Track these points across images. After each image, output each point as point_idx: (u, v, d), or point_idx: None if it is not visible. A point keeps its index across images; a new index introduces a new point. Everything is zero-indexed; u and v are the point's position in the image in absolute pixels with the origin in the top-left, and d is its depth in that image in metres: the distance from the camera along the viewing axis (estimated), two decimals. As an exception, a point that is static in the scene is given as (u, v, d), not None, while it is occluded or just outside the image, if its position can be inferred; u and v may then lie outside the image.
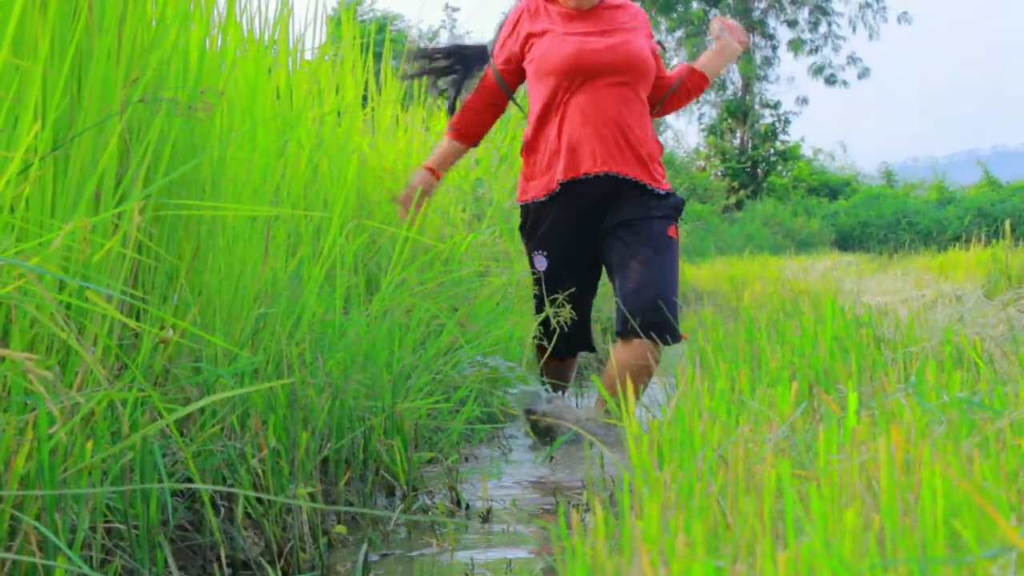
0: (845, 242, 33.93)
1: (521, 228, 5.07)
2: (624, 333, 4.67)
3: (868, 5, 43.22)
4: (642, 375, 4.61)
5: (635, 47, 4.80)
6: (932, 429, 1.71)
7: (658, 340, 4.59)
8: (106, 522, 2.54)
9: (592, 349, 5.27)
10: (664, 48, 5.12)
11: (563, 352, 5.14)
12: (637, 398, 4.61)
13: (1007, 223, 5.99)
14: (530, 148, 4.92)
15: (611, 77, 4.73)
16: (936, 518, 1.24)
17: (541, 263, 4.98)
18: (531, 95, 4.91)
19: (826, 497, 1.39)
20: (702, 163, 43.03)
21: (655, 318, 4.60)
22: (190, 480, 2.83)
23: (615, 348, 4.78)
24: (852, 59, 43.63)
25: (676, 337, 4.64)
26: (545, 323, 4.93)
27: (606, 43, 4.77)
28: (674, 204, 4.87)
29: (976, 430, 1.67)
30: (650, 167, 4.83)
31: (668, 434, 1.90)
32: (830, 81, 43.50)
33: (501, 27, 5.06)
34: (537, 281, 5.01)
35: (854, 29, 43.88)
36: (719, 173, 42.21)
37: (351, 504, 3.55)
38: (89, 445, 2.27)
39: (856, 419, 1.69)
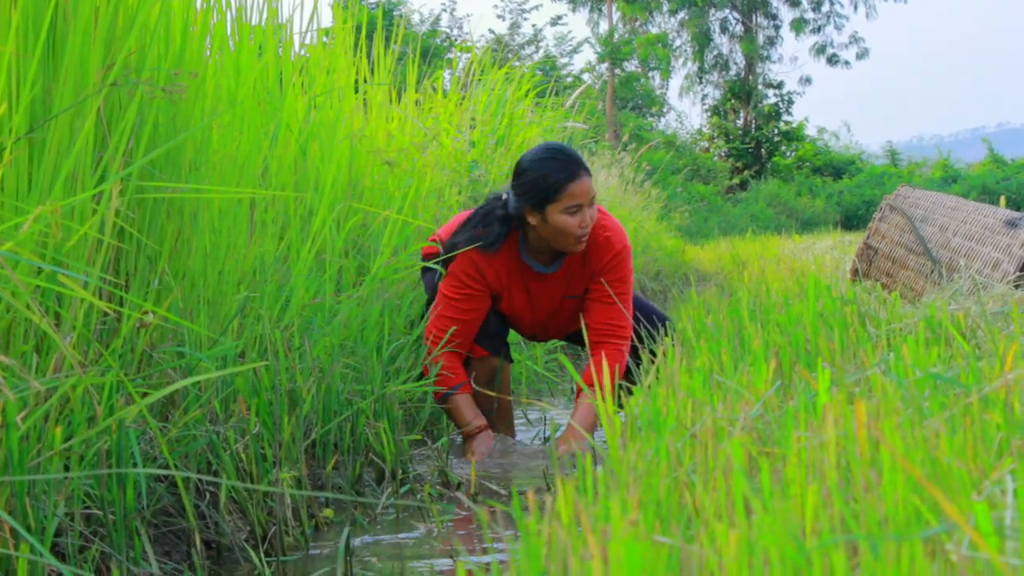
0: (850, 221, 33.89)
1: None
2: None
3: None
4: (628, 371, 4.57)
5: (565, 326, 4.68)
6: (902, 405, 1.69)
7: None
8: (85, 508, 2.52)
9: (509, 356, 4.70)
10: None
11: (492, 340, 4.57)
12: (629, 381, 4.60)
13: (1002, 199, 6.00)
14: None
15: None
16: (897, 495, 1.21)
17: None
18: None
19: (791, 475, 1.36)
20: (706, 144, 43.03)
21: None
22: (175, 464, 2.81)
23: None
24: (854, 38, 43.56)
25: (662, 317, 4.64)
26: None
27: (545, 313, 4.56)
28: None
29: (948, 406, 1.65)
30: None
31: (642, 413, 1.88)
32: (832, 61, 43.42)
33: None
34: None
35: (855, 7, 43.80)
36: (723, 154, 42.21)
37: (339, 487, 3.54)
38: (58, 431, 2.25)
39: (828, 396, 1.67)
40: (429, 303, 4.56)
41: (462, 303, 4.33)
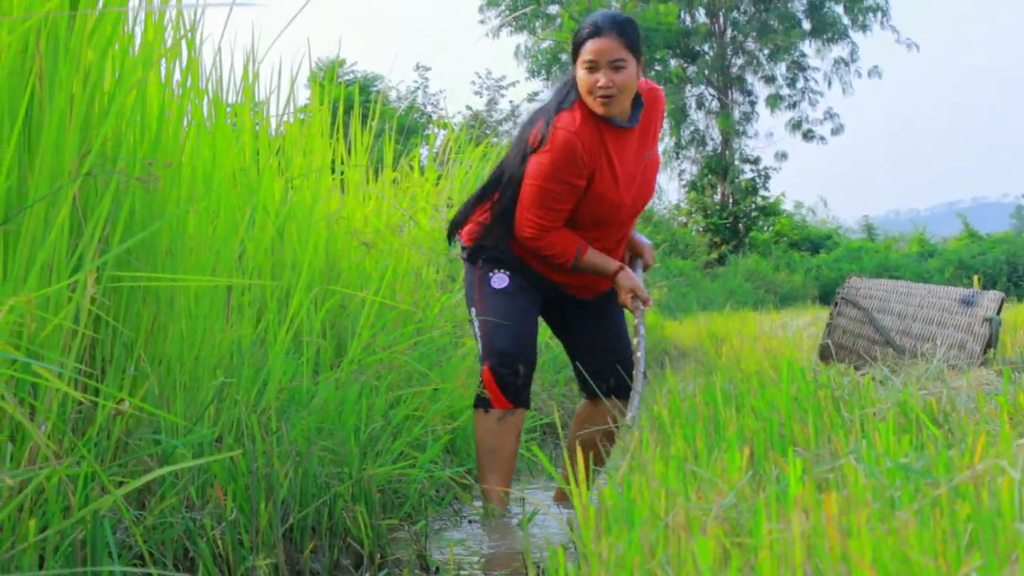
0: (828, 296, 33.85)
1: (472, 258, 4.75)
2: (593, 395, 4.71)
3: (843, 60, 43.50)
4: (610, 437, 4.63)
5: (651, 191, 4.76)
6: (872, 497, 1.69)
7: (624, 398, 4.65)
8: (59, 599, 2.50)
9: (528, 403, 4.68)
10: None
11: (518, 394, 4.57)
12: (607, 458, 4.62)
13: (975, 277, 6.06)
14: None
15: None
16: (866, 591, 1.22)
17: (501, 281, 4.64)
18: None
19: (762, 569, 1.37)
20: (683, 219, 43.14)
21: (622, 379, 4.65)
22: (150, 552, 2.80)
23: (581, 408, 4.83)
24: (829, 114, 43.84)
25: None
26: (501, 361, 4.52)
27: (634, 191, 4.61)
28: None
29: (919, 496, 1.66)
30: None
31: (616, 503, 1.88)
32: (808, 137, 43.66)
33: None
34: (484, 310, 4.61)
35: (829, 84, 44.15)
36: (700, 229, 42.30)
37: (317, 573, 3.51)
38: (32, 523, 2.24)
39: (800, 486, 1.67)
40: (472, 305, 4.63)
41: (557, 192, 4.45)
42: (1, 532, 2.26)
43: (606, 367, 4.70)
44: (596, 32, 4.36)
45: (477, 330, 4.59)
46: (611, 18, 4.40)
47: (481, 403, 4.55)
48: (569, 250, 4.46)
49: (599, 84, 4.35)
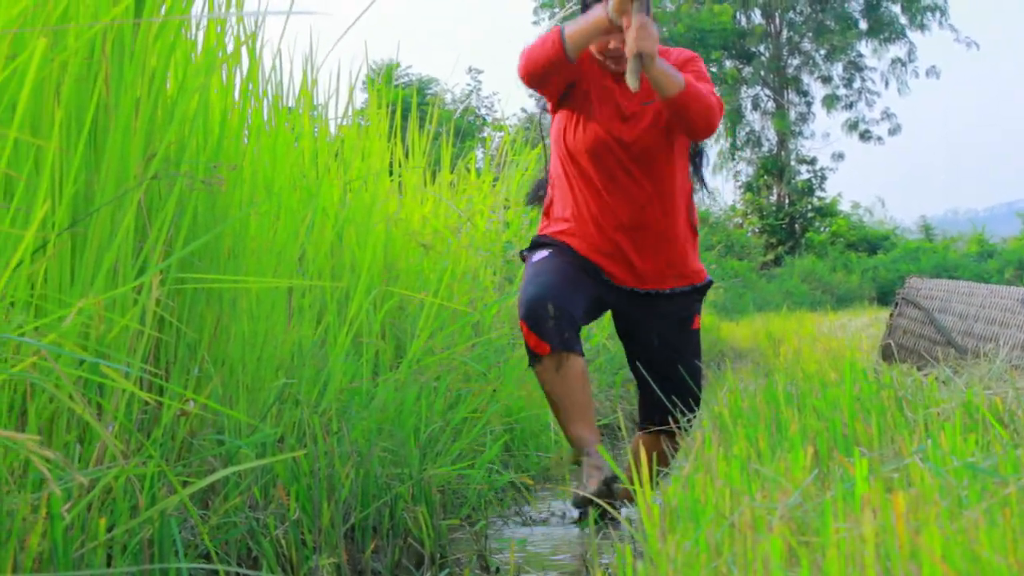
0: (886, 297, 33.56)
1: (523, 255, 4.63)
2: (647, 430, 4.57)
3: (900, 60, 43.27)
4: (666, 458, 4.51)
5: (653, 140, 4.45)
6: (940, 496, 1.69)
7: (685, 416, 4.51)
8: (127, 597, 2.53)
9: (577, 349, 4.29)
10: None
11: (556, 334, 4.18)
12: (671, 459, 4.56)
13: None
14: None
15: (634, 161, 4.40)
16: (937, 589, 1.22)
17: (539, 255, 4.43)
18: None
19: (830, 568, 1.37)
20: (739, 220, 42.97)
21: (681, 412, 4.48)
22: (216, 551, 2.82)
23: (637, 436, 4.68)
24: (886, 114, 43.60)
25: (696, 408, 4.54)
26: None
27: (634, 129, 4.39)
28: (702, 291, 4.62)
29: (987, 495, 1.65)
30: (687, 266, 4.56)
31: (681, 502, 1.89)
32: (865, 137, 43.45)
33: None
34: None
35: (886, 84, 43.88)
36: (756, 230, 42.13)
37: (378, 572, 3.53)
38: (102, 522, 2.27)
39: (866, 486, 1.67)
40: None
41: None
42: (71, 531, 2.28)
43: (657, 394, 4.56)
44: None
45: None
46: None
47: (530, 359, 4.23)
48: (550, 37, 4.20)
49: (610, 46, 4.27)
